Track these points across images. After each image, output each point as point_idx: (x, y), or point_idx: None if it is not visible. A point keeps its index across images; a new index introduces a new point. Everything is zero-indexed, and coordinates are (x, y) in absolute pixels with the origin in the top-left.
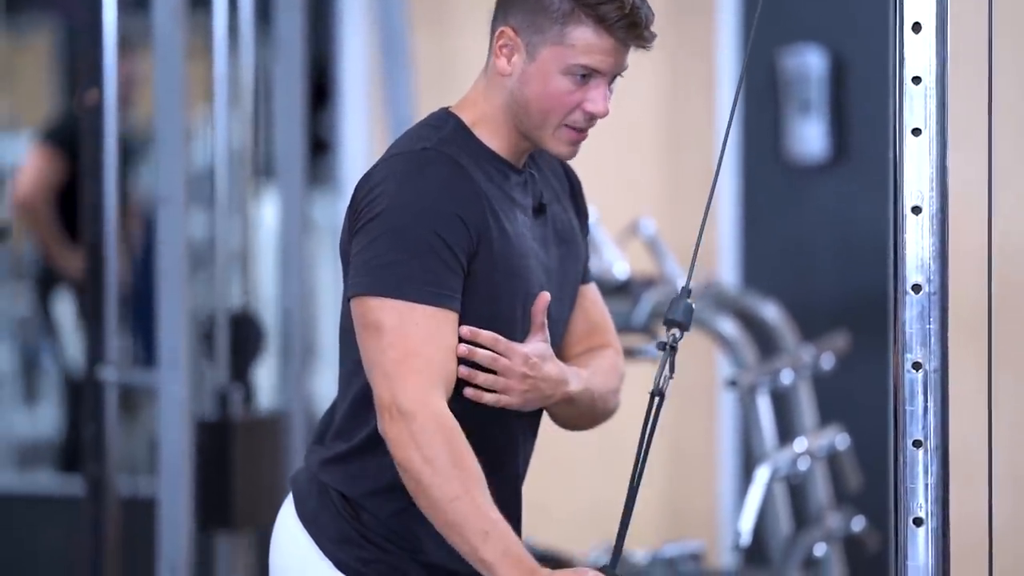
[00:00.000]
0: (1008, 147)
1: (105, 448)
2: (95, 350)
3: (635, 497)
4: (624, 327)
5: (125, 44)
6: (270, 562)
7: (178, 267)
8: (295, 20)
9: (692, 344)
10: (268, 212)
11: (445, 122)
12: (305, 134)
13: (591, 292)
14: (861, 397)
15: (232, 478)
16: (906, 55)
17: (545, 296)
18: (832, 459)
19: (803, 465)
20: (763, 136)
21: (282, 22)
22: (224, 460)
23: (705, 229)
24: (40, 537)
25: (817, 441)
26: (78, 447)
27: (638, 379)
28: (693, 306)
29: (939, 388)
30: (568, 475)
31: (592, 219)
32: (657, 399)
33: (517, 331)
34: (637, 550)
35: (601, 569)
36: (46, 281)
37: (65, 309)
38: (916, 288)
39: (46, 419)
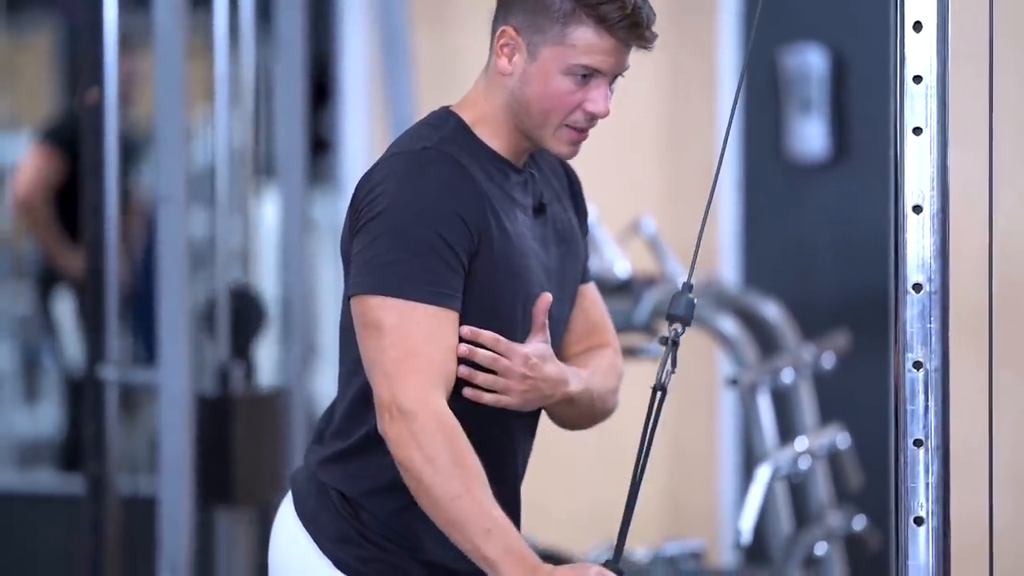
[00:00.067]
0: (1009, 146)
1: (105, 447)
2: (95, 349)
3: (638, 491)
4: (625, 326)
5: (126, 43)
6: (269, 561)
7: (178, 266)
8: (296, 19)
9: (693, 343)
10: (269, 211)
11: (446, 121)
12: (306, 133)
13: (590, 291)
14: (862, 396)
15: (233, 454)
16: (907, 54)
17: (547, 297)
18: (833, 458)
19: (804, 464)
20: (764, 135)
21: (283, 21)
22: (225, 437)
23: (706, 228)
24: (40, 536)
25: (818, 440)
26: (78, 446)
27: (639, 378)
28: (695, 301)
29: (940, 387)
30: (568, 475)
31: (593, 218)
32: (659, 394)
33: (517, 331)
34: (638, 548)
35: (604, 564)
36: (47, 280)
37: (65, 308)
38: (917, 287)
39: (46, 418)
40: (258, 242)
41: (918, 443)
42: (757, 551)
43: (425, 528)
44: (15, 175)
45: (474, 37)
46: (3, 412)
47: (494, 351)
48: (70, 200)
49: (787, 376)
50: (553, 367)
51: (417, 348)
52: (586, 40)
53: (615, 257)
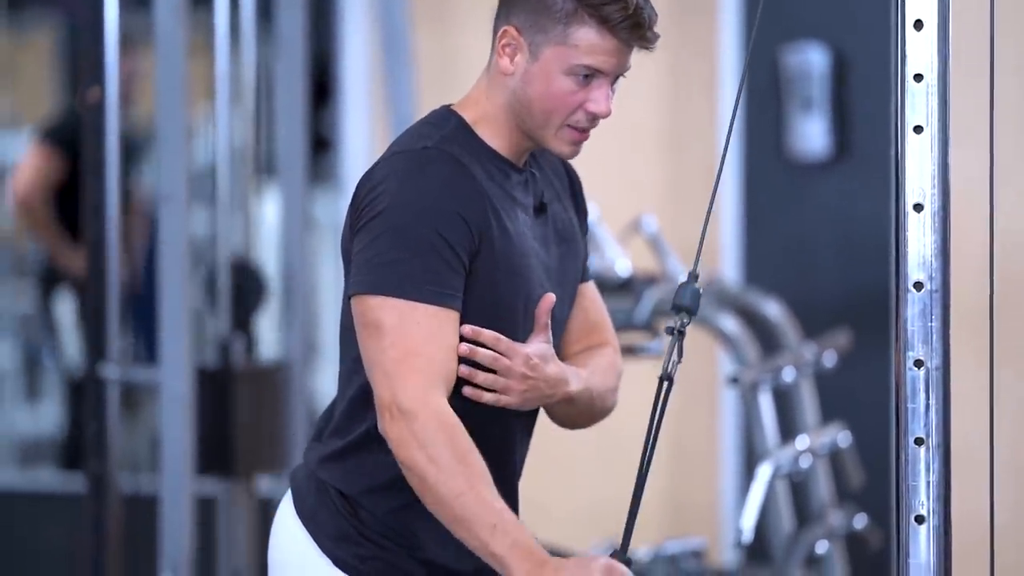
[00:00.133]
0: (1010, 144)
1: (107, 445)
2: (96, 348)
3: (644, 482)
4: (626, 324)
5: (127, 42)
6: (269, 559)
7: (179, 265)
8: (296, 18)
9: (694, 341)
10: (270, 210)
11: (447, 120)
12: (306, 132)
13: (590, 291)
14: (863, 394)
15: (233, 426)
16: (908, 52)
17: (550, 298)
18: (834, 456)
19: (805, 462)
20: (765, 134)
21: (283, 20)
22: (225, 408)
23: (707, 226)
24: (42, 534)
25: (819, 438)
26: (80, 444)
27: (639, 377)
28: (700, 291)
29: (941, 385)
30: (568, 473)
31: (594, 217)
32: (666, 383)
33: (518, 330)
34: (639, 547)
35: (612, 555)
36: (48, 279)
37: (66, 307)
38: (918, 285)
39: (48, 416)
40: (259, 241)
41: (919, 441)
42: (758, 550)
43: (424, 527)
44: (15, 174)
45: (475, 36)
46: (4, 410)
47: (495, 350)
48: (70, 199)
49: (788, 375)
50: (554, 367)
51: (417, 348)
52: (588, 40)
53: (616, 256)
